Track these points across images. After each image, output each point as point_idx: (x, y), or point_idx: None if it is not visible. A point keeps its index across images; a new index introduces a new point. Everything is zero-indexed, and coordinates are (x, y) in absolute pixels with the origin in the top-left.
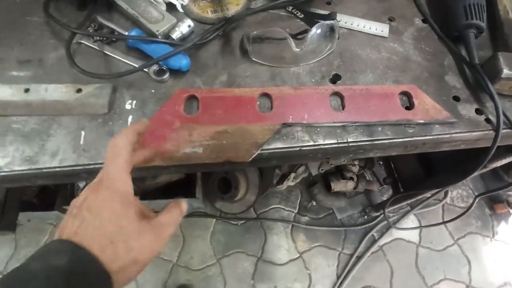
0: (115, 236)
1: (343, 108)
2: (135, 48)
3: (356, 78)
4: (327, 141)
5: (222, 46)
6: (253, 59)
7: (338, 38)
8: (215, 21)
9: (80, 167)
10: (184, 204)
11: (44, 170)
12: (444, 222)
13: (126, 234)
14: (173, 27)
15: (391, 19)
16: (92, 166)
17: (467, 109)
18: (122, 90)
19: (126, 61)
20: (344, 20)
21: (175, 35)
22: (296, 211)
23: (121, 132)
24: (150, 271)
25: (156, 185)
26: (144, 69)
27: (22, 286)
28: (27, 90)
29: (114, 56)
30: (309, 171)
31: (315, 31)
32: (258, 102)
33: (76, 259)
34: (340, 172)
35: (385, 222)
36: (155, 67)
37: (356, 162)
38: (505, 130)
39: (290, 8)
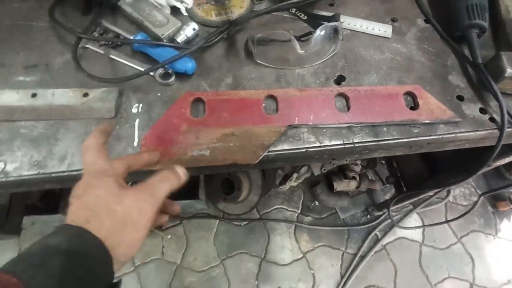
0: (94, 205)
1: (348, 109)
2: (141, 51)
3: (361, 79)
4: (333, 142)
5: (227, 48)
6: (258, 61)
7: (342, 40)
8: (219, 24)
9: None
10: (179, 168)
11: (53, 175)
12: (447, 221)
13: (105, 200)
14: (178, 31)
15: (393, 20)
16: None
17: (471, 109)
18: (128, 94)
19: (132, 65)
20: (347, 22)
21: (180, 38)
22: (299, 211)
23: (89, 137)
24: (154, 273)
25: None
26: (150, 73)
27: (18, 264)
28: (34, 95)
29: (120, 60)
30: (312, 171)
31: (319, 33)
32: (263, 104)
33: (70, 236)
34: (342, 172)
35: (388, 221)
36: (160, 71)
37: (359, 162)
38: (509, 129)
39: (293, 10)
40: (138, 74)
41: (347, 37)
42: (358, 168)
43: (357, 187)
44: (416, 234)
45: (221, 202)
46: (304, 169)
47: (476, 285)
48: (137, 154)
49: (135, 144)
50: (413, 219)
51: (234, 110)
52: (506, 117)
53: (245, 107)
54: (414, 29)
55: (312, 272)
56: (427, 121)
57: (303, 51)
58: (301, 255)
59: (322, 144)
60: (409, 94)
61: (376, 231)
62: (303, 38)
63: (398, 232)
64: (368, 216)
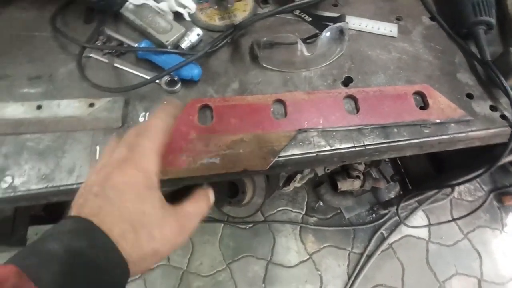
0: (137, 222)
1: (357, 111)
2: (145, 59)
3: (368, 80)
4: (343, 145)
5: (232, 53)
6: (264, 65)
7: (348, 41)
8: (223, 28)
9: None
10: (212, 193)
11: (62, 188)
12: (454, 219)
13: (149, 221)
14: (182, 37)
15: (399, 19)
16: None
17: (482, 106)
18: (134, 103)
19: (137, 73)
20: (352, 22)
21: (185, 44)
22: (303, 212)
23: (157, 114)
24: (161, 279)
25: (164, 193)
26: (156, 81)
27: (40, 267)
28: (39, 107)
29: (124, 68)
30: (315, 172)
31: (326, 34)
32: (272, 109)
33: (96, 244)
34: (346, 171)
35: (394, 219)
36: (166, 78)
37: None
38: None
39: (297, 12)
40: (144, 83)
41: (353, 37)
42: (361, 167)
43: (361, 186)
44: (422, 232)
45: (225, 205)
46: (307, 170)
47: (484, 280)
48: (164, 113)
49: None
50: (419, 217)
51: (242, 116)
52: None
53: (253, 113)
54: (420, 27)
55: (319, 273)
56: (438, 121)
57: (310, 54)
58: (308, 256)
59: (332, 148)
60: (418, 93)
61: (382, 230)
62: (309, 40)
63: (404, 230)
64: (374, 215)
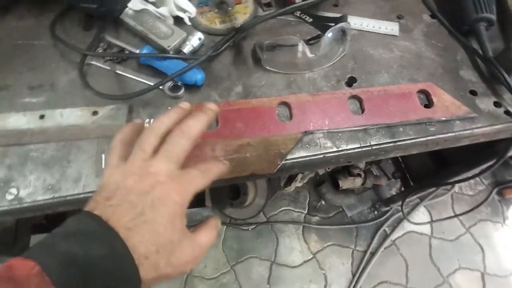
0: (163, 248)
1: (362, 111)
2: (147, 65)
3: (372, 80)
4: (350, 146)
5: (234, 56)
6: (267, 67)
7: (350, 41)
8: (224, 32)
9: None
10: (219, 223)
11: (68, 198)
12: (457, 215)
13: (173, 248)
14: (183, 41)
15: (399, 17)
16: None
17: (485, 103)
18: (138, 110)
19: (139, 79)
20: (353, 21)
21: (186, 49)
22: (305, 212)
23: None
24: (164, 284)
25: None
26: (159, 87)
27: (61, 271)
28: (42, 117)
29: (126, 75)
30: (316, 171)
31: (328, 35)
32: (277, 112)
33: (116, 255)
34: (347, 170)
35: (396, 216)
36: (169, 83)
37: None
38: None
39: (298, 13)
40: (147, 89)
41: (355, 37)
42: (362, 165)
43: (363, 184)
44: (425, 227)
45: (227, 207)
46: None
47: (487, 274)
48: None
49: None
50: (421, 213)
51: (247, 120)
52: None
53: (259, 116)
54: (421, 25)
55: (323, 272)
56: (443, 119)
57: (313, 55)
58: (311, 256)
59: (339, 149)
60: (423, 92)
61: (385, 227)
62: (312, 41)
63: (406, 227)
64: (376, 212)
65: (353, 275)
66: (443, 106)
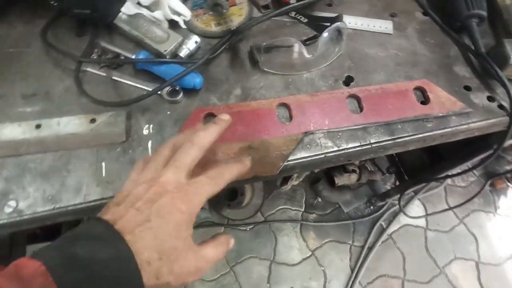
0: (166, 255)
1: (361, 110)
2: (144, 70)
3: (369, 78)
4: (350, 145)
5: (231, 59)
6: (265, 69)
7: (345, 40)
8: (220, 34)
9: (106, 201)
10: (232, 241)
11: (70, 208)
12: (451, 208)
13: (176, 257)
14: (180, 45)
15: (393, 15)
16: None
17: (480, 98)
18: (137, 116)
19: (136, 85)
20: (348, 21)
21: (183, 53)
22: (303, 210)
23: (232, 167)
24: None
25: None
26: (158, 92)
27: (65, 271)
28: (38, 126)
29: (123, 80)
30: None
31: (325, 35)
32: (277, 113)
33: (121, 259)
34: (342, 166)
35: (391, 210)
36: (168, 88)
37: None
38: None
39: (293, 14)
40: (146, 95)
41: (350, 36)
42: (357, 161)
43: (358, 180)
44: (420, 220)
45: (225, 208)
46: None
47: (481, 263)
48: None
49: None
50: (416, 206)
51: (248, 122)
52: None
53: (259, 118)
54: (414, 22)
55: (323, 268)
56: (440, 114)
57: (310, 55)
58: (310, 253)
59: (340, 148)
60: (419, 89)
61: (381, 221)
62: (308, 42)
63: (402, 220)
64: (371, 207)
65: (352, 270)
66: (439, 102)
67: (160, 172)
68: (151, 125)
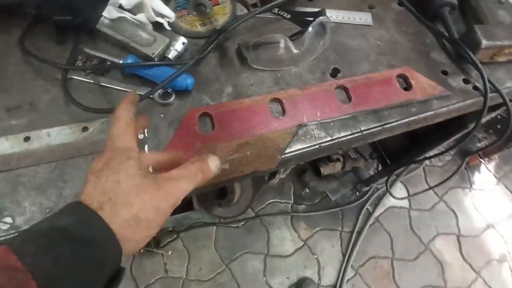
0: (112, 192)
1: (349, 100)
2: (133, 74)
3: (354, 69)
4: (342, 134)
5: (219, 58)
6: (254, 66)
7: (329, 33)
8: (206, 34)
9: None
10: (213, 160)
11: None
12: (431, 188)
13: (124, 189)
14: (167, 47)
15: (371, 7)
16: None
17: (456, 81)
18: None
19: (126, 90)
20: (329, 14)
21: (171, 54)
22: (292, 202)
23: (119, 107)
24: None
25: None
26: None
27: (25, 243)
28: (27, 139)
29: (112, 86)
30: None
31: (310, 30)
32: (270, 108)
33: (81, 219)
34: (326, 156)
35: (376, 194)
36: (159, 91)
37: None
38: (491, 94)
39: (276, 11)
40: (139, 99)
41: (333, 29)
42: (340, 150)
43: (343, 168)
44: (403, 202)
45: (215, 208)
46: None
47: (462, 236)
48: (123, 104)
49: (151, 170)
50: (398, 188)
51: (242, 119)
52: (488, 84)
53: (253, 114)
54: (391, 13)
55: (316, 256)
56: (422, 99)
57: (297, 50)
58: (302, 243)
59: (333, 138)
60: (401, 76)
61: (367, 206)
62: (294, 37)
63: (387, 203)
64: (357, 193)
65: (344, 255)
66: (421, 87)
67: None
68: (146, 129)
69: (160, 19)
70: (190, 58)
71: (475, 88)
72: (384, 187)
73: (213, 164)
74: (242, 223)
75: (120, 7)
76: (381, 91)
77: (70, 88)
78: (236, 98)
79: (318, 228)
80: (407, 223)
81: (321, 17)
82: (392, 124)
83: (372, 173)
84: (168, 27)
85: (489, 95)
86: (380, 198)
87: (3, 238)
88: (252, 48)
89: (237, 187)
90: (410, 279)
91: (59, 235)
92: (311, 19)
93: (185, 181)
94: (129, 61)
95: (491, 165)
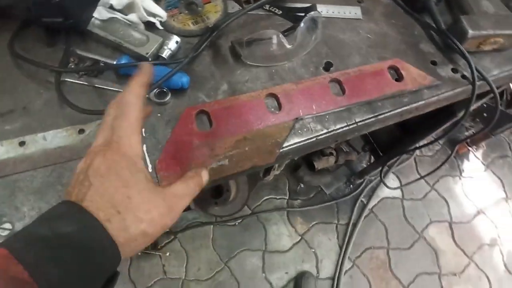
0: (122, 206)
1: (343, 92)
2: (127, 74)
3: (346, 62)
4: (338, 126)
5: (213, 56)
6: (248, 62)
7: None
8: (199, 32)
9: None
10: (205, 174)
11: None
12: (422, 177)
13: (135, 205)
14: (161, 46)
15: (360, 1)
16: None
17: (445, 71)
18: None
19: (121, 90)
20: (320, 9)
21: (165, 53)
22: (287, 197)
23: (127, 87)
24: None
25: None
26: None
27: (27, 249)
28: (22, 143)
29: (106, 87)
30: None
31: (303, 25)
32: (266, 104)
33: (83, 226)
34: (319, 150)
35: (370, 186)
36: (155, 90)
37: None
38: (479, 82)
39: (267, 7)
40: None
41: (324, 24)
42: (333, 144)
43: (336, 162)
44: (396, 192)
45: (212, 207)
46: None
47: (454, 223)
48: (133, 84)
49: (150, 170)
50: (391, 179)
51: (239, 116)
52: (475, 72)
53: (250, 110)
54: (380, 6)
55: (313, 250)
56: (413, 89)
57: (290, 46)
58: (299, 238)
59: (329, 130)
60: (392, 67)
61: (361, 198)
62: (286, 32)
63: (380, 194)
64: (351, 186)
65: (341, 248)
66: (412, 78)
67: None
68: (143, 129)
69: (152, 19)
70: (185, 57)
71: (463, 77)
72: (377, 179)
73: (205, 178)
74: (239, 221)
75: (111, 7)
76: (374, 83)
77: (63, 91)
78: (231, 95)
79: (314, 222)
80: (400, 213)
81: (312, 12)
82: (386, 115)
83: (365, 166)
84: (160, 27)
85: (477, 83)
86: (373, 190)
87: None
88: (245, 44)
89: (232, 185)
90: (406, 267)
91: (64, 245)
92: (302, 14)
93: (187, 198)
94: (123, 61)
95: (479, 153)
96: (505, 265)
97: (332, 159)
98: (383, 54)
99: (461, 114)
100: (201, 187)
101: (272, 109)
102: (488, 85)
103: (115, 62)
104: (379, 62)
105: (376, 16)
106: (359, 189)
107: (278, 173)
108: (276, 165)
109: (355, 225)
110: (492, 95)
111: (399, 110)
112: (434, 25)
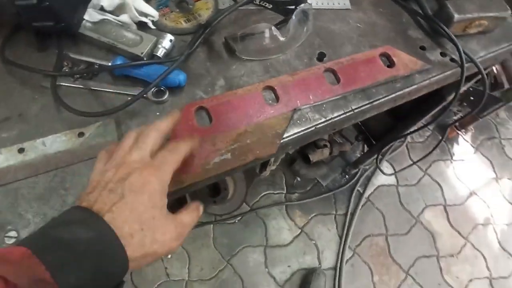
0: (146, 225)
1: (338, 81)
2: (123, 75)
3: (338, 52)
4: (335, 114)
5: (207, 52)
6: (243, 57)
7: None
8: (192, 30)
9: None
10: (201, 208)
11: None
12: (415, 162)
13: (156, 225)
14: (155, 45)
15: None
16: None
17: (434, 55)
18: (126, 122)
19: (117, 91)
20: (309, 1)
21: (160, 52)
22: (285, 192)
23: (187, 141)
24: None
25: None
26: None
27: (50, 252)
28: (21, 150)
29: (102, 89)
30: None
31: (294, 17)
32: (263, 96)
33: (103, 237)
34: (313, 143)
35: (365, 175)
36: (153, 89)
37: None
38: (467, 64)
39: (258, 1)
40: (133, 100)
41: (314, 16)
42: (326, 136)
43: (330, 153)
44: (391, 179)
45: (211, 206)
46: None
47: (448, 205)
48: (174, 153)
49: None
50: (385, 167)
51: (238, 109)
52: (463, 55)
53: (248, 104)
54: None
55: (314, 242)
56: (405, 74)
57: (284, 38)
58: (299, 230)
59: (327, 119)
60: (384, 55)
61: (357, 187)
62: (279, 26)
63: (376, 182)
64: (347, 176)
65: (340, 238)
66: (403, 64)
67: (125, 156)
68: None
69: (144, 19)
70: (180, 55)
71: (452, 60)
72: (372, 168)
73: (201, 208)
74: (239, 218)
75: (102, 9)
76: (367, 70)
77: (59, 95)
78: (229, 90)
79: (313, 214)
80: (396, 199)
81: (302, 5)
82: (380, 101)
83: (359, 155)
84: (152, 26)
85: (465, 65)
86: (369, 179)
87: None
88: (239, 39)
89: (230, 183)
90: (405, 252)
91: (83, 251)
92: (293, 7)
93: (190, 228)
94: (118, 62)
95: (468, 136)
96: (499, 242)
97: (326, 151)
98: (374, 42)
99: (450, 97)
100: (199, 217)
101: (270, 102)
102: (476, 67)
103: (110, 64)
104: (371, 50)
105: (365, 5)
106: (355, 179)
107: (274, 168)
108: (272, 160)
109: (353, 214)
110: (479, 76)
111: (393, 95)
112: (421, 11)
